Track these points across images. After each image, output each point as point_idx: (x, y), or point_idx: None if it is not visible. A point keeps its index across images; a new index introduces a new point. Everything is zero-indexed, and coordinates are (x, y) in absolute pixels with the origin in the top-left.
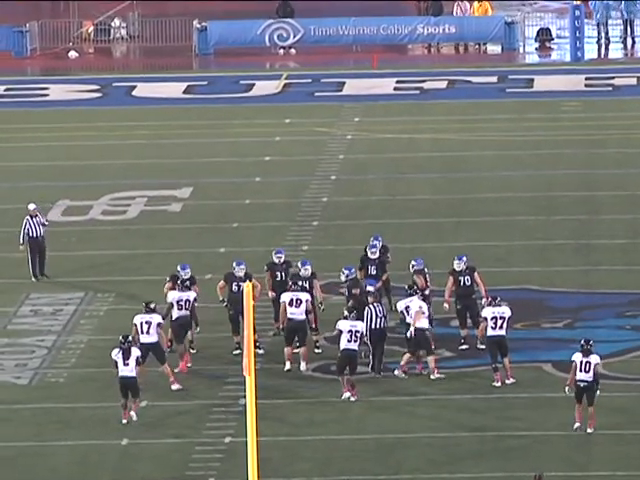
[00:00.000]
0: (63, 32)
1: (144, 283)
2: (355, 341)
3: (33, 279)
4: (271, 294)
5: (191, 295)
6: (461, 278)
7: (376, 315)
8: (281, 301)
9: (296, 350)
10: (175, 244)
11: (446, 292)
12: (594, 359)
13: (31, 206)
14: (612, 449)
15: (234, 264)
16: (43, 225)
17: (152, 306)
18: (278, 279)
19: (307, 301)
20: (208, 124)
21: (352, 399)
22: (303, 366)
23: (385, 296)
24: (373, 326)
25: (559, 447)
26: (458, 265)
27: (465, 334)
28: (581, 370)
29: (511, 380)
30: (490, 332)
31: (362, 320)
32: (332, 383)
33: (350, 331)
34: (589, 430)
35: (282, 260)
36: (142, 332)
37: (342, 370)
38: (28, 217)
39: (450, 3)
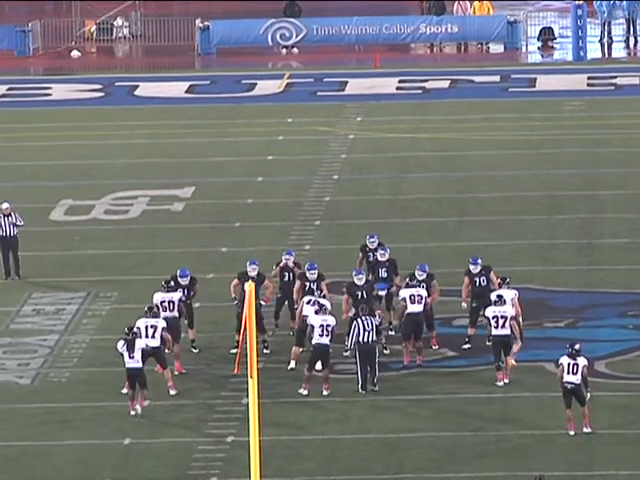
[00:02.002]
0: (66, 31)
1: (146, 283)
2: (327, 335)
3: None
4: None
5: (175, 296)
6: (477, 279)
7: (364, 329)
8: (300, 301)
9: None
10: (177, 244)
11: (463, 292)
12: (582, 361)
13: (4, 205)
14: (615, 448)
15: (247, 263)
16: (16, 225)
17: (155, 310)
18: (286, 279)
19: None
20: (210, 123)
21: (325, 393)
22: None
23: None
24: (360, 340)
25: (562, 447)
26: (474, 269)
27: (472, 333)
28: (568, 372)
29: (506, 380)
30: (494, 332)
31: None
32: (334, 382)
33: (321, 326)
34: (586, 430)
35: (292, 262)
36: (147, 336)
37: (313, 365)
38: (1, 216)
39: (452, 2)
